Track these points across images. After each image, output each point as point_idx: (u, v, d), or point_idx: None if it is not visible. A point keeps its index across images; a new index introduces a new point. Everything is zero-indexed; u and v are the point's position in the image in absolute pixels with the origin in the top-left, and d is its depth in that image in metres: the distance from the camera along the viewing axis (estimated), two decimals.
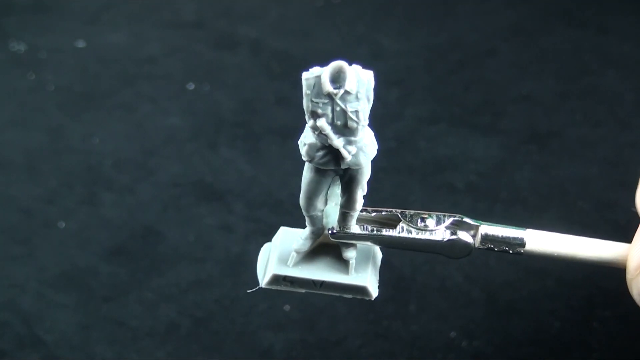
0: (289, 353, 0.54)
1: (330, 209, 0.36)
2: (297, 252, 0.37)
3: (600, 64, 0.78)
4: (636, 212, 0.38)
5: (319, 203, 0.35)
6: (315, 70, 0.31)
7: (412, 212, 0.37)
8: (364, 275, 0.37)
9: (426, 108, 0.74)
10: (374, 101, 0.32)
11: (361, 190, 0.35)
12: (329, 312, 0.56)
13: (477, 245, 0.37)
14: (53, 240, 0.62)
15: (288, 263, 0.37)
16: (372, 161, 0.34)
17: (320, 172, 0.34)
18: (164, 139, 0.71)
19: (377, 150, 0.34)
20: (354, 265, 0.37)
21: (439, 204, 0.64)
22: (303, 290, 0.37)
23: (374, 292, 0.37)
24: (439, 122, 0.72)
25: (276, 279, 0.37)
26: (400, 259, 0.59)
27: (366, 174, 0.34)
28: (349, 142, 0.33)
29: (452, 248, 0.36)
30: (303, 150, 0.33)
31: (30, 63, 0.80)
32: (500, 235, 0.36)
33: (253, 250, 0.60)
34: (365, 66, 0.32)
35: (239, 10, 0.88)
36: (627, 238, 0.37)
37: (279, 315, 0.56)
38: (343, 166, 0.33)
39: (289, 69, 0.78)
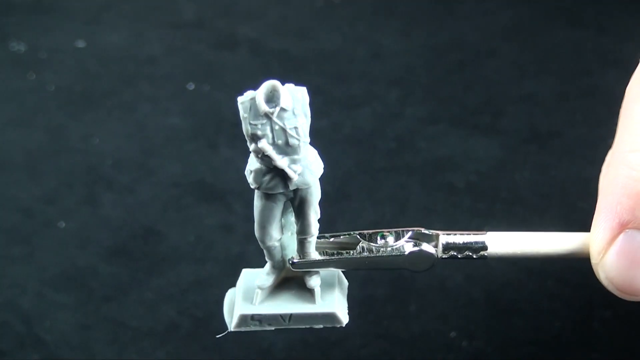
0: (289, 353, 0.54)
1: (287, 240, 0.36)
2: (261, 288, 0.36)
3: (600, 64, 0.78)
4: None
5: (274, 232, 0.35)
6: (249, 93, 0.32)
7: (370, 231, 0.36)
8: (331, 301, 0.36)
9: (426, 108, 0.74)
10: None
11: (314, 213, 0.35)
12: None
13: (440, 255, 0.36)
14: (53, 240, 0.62)
15: (254, 301, 0.36)
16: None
17: (270, 198, 0.34)
18: (164, 139, 0.71)
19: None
20: (319, 293, 0.36)
21: (439, 204, 0.64)
22: (272, 328, 0.37)
23: (344, 318, 0.36)
24: (439, 122, 0.72)
25: (244, 319, 0.36)
26: None
27: (316, 193, 0.34)
28: (294, 161, 0.33)
29: (415, 261, 0.36)
30: (250, 178, 0.34)
31: (30, 63, 0.80)
32: (460, 242, 0.36)
33: (253, 250, 0.60)
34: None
35: (239, 10, 0.88)
36: None
37: None
38: (291, 187, 0.33)
39: (289, 69, 0.78)
